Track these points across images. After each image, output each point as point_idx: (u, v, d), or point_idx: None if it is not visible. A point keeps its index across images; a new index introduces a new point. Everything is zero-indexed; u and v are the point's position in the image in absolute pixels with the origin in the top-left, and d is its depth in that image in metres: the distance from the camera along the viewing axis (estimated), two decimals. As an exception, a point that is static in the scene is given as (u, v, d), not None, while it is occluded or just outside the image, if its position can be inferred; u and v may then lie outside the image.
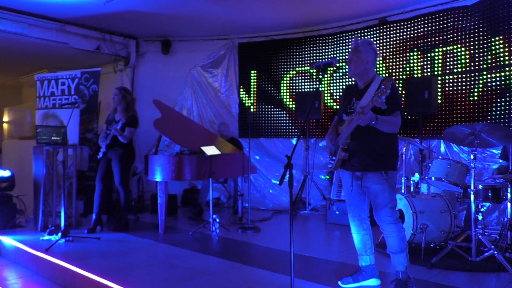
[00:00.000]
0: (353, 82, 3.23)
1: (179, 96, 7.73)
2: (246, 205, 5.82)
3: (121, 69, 7.79)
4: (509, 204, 3.78)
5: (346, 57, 6.55)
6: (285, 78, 7.17)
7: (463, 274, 3.47)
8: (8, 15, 5.96)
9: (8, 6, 5.89)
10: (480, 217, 3.65)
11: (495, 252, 3.43)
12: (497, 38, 5.03)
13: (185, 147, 5.47)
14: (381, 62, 6.21)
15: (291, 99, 7.12)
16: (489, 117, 5.09)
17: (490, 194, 3.83)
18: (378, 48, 6.23)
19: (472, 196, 3.62)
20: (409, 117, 5.85)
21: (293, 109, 7.04)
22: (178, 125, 5.59)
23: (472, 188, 3.62)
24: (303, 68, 7.03)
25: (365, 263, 3.21)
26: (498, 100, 5.02)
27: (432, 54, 5.67)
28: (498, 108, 5.01)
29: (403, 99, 5.76)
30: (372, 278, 3.21)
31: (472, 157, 3.60)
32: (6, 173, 5.67)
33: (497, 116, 5.01)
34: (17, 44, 6.72)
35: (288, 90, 7.16)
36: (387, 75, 6.13)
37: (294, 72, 7.10)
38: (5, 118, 9.43)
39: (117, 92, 5.18)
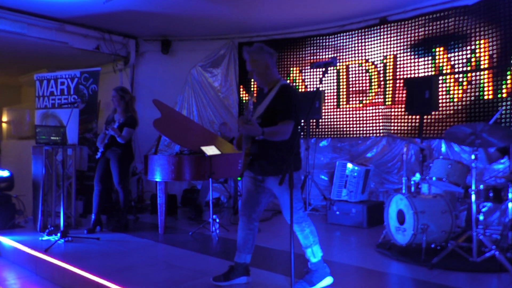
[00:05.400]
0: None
1: (179, 96, 7.71)
2: (246, 205, 5.79)
3: (121, 69, 7.77)
4: (510, 204, 3.76)
5: (347, 56, 6.56)
6: (285, 78, 7.15)
7: (464, 275, 3.46)
8: (7, 14, 5.94)
9: (7, 6, 5.86)
10: (481, 217, 3.63)
11: (497, 253, 3.42)
12: (497, 38, 5.02)
13: (185, 147, 5.45)
14: (381, 61, 6.19)
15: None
16: (490, 117, 5.07)
17: (491, 194, 3.82)
18: (378, 48, 6.23)
19: (473, 196, 3.60)
20: (409, 116, 5.83)
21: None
22: (178, 125, 5.57)
23: (473, 188, 3.61)
24: (303, 68, 7.00)
25: (239, 260, 3.23)
26: (499, 99, 5.01)
27: (433, 54, 5.65)
28: (500, 108, 4.99)
29: (404, 98, 5.75)
30: (243, 276, 3.23)
31: (473, 157, 3.59)
32: (5, 173, 5.65)
33: (499, 116, 4.99)
34: (16, 43, 6.70)
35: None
36: (388, 75, 6.12)
37: (294, 72, 7.08)
38: (4, 118, 9.44)
39: (114, 93, 5.14)
